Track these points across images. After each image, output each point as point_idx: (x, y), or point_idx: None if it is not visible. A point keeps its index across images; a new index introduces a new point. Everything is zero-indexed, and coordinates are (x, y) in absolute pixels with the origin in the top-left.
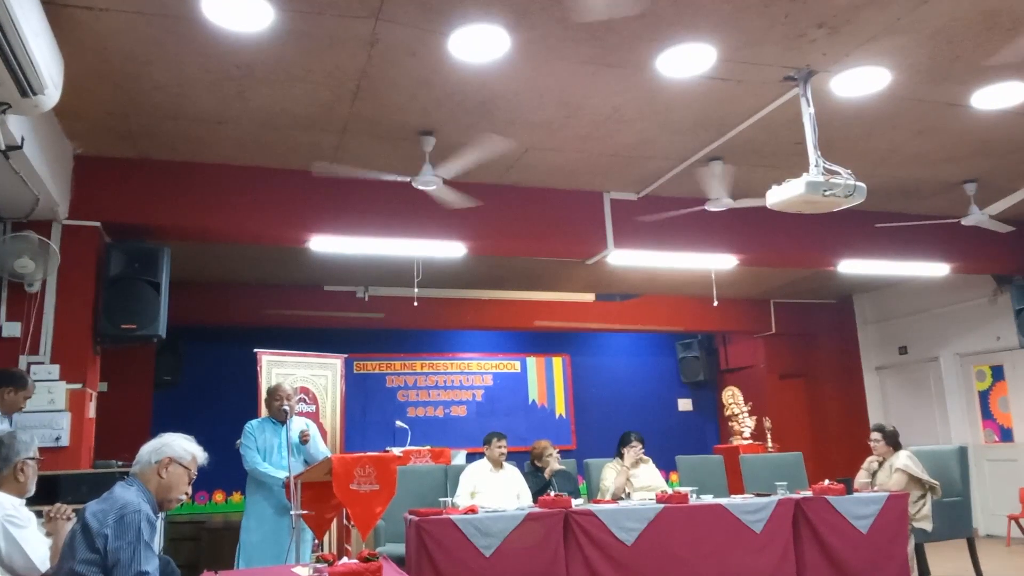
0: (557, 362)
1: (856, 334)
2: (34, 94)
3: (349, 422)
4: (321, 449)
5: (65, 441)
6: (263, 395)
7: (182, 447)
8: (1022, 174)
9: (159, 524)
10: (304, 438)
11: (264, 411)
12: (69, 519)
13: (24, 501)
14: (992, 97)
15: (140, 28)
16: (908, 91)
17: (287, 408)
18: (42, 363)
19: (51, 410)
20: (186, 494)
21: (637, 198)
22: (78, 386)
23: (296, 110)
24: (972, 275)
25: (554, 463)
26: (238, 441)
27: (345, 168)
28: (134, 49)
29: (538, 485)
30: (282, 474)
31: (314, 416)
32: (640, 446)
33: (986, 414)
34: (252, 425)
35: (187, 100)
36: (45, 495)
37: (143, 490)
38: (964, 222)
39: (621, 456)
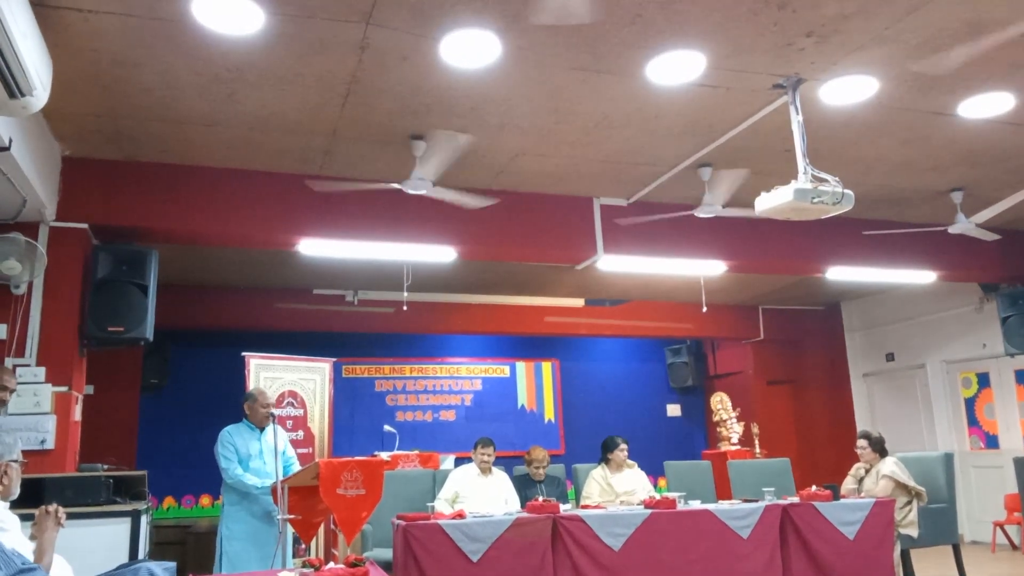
0: (546, 367)
1: (844, 341)
2: (22, 95)
3: (337, 426)
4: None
5: (50, 444)
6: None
7: None
8: (1008, 183)
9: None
10: None
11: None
12: (61, 524)
13: (8, 504)
14: (978, 106)
15: (130, 30)
16: (895, 100)
17: (273, 413)
18: (28, 365)
19: (36, 413)
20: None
21: (627, 204)
22: (64, 389)
23: (286, 113)
24: (959, 283)
25: (533, 469)
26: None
27: (335, 184)
28: (123, 51)
29: (526, 489)
30: (267, 481)
31: (302, 420)
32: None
33: (972, 421)
34: (230, 432)
35: (176, 102)
36: (30, 498)
37: None
38: (951, 230)
39: (606, 461)
